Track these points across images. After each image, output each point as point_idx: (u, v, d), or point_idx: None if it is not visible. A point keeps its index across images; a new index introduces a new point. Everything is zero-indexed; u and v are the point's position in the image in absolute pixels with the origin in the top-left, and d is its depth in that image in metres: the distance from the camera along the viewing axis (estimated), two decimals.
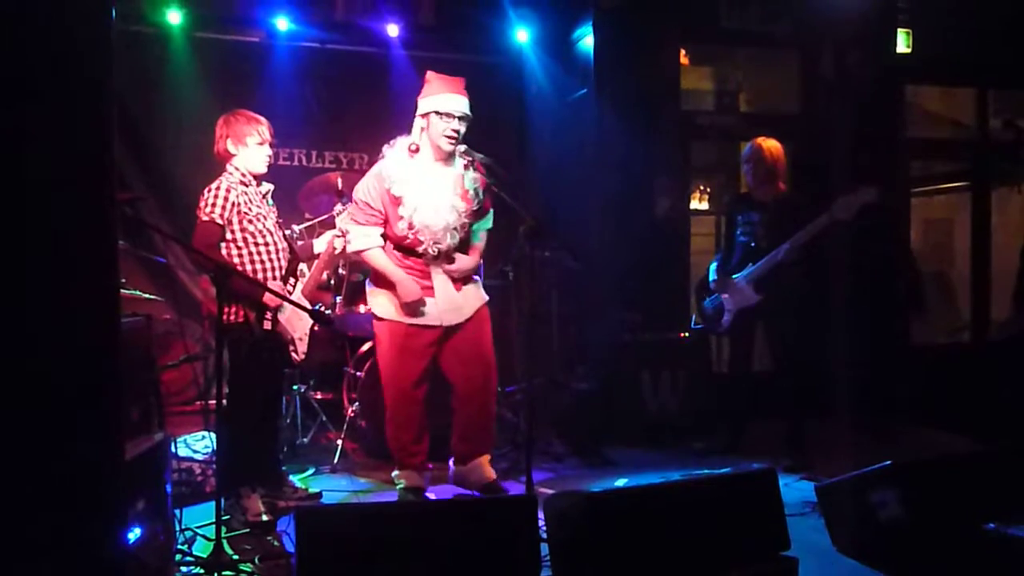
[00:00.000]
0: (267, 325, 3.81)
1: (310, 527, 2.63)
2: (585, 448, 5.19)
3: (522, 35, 6.89)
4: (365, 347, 5.17)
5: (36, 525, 1.78)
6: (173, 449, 4.20)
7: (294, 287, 3.98)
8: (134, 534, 2.77)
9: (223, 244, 3.80)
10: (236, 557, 3.33)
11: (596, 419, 5.36)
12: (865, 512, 3.22)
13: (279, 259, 3.91)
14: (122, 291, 4.71)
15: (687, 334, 5.82)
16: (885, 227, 6.28)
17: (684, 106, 6.58)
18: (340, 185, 5.32)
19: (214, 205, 3.75)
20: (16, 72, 1.79)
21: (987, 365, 6.16)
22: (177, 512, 3.34)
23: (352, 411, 5.04)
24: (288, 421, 5.16)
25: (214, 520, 3.21)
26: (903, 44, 6.69)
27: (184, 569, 3.25)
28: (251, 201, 3.87)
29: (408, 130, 4.16)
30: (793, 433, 4.92)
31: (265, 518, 3.75)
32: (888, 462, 3.17)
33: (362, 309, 5.01)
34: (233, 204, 3.78)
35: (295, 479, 4.39)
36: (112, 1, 1.92)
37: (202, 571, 3.22)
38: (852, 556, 3.32)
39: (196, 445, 4.38)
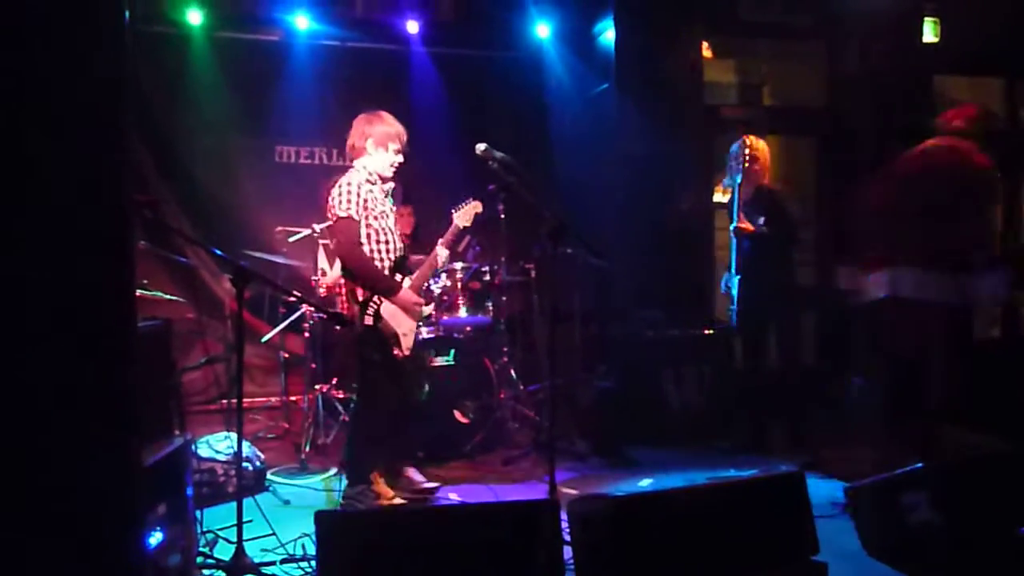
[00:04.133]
0: (368, 321, 3.89)
1: (330, 531, 2.61)
2: (608, 447, 5.15)
3: (543, 30, 6.84)
4: None
5: (52, 532, 1.77)
6: (195, 450, 4.21)
7: (401, 282, 4.04)
8: (155, 538, 2.76)
9: None
10: (257, 560, 3.32)
11: (619, 417, 5.31)
12: (895, 515, 3.15)
13: (392, 255, 4.02)
14: (143, 292, 4.73)
15: (710, 330, 5.76)
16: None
17: (707, 100, 6.51)
18: None
19: (349, 201, 3.87)
20: (29, 74, 1.77)
21: (1018, 360, 6.03)
22: (199, 514, 3.33)
23: None
24: (310, 420, 5.15)
25: (236, 522, 3.20)
26: (930, 34, 6.56)
27: (206, 572, 3.24)
28: (376, 199, 3.98)
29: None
30: (802, 434, 4.88)
31: (398, 500, 3.93)
32: (919, 464, 3.10)
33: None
34: (364, 200, 3.91)
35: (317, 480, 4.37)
36: (126, 2, 1.89)
37: (224, 574, 3.20)
38: (882, 560, 3.25)
39: (218, 446, 4.36)
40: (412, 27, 6.60)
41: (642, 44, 6.17)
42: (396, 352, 4.00)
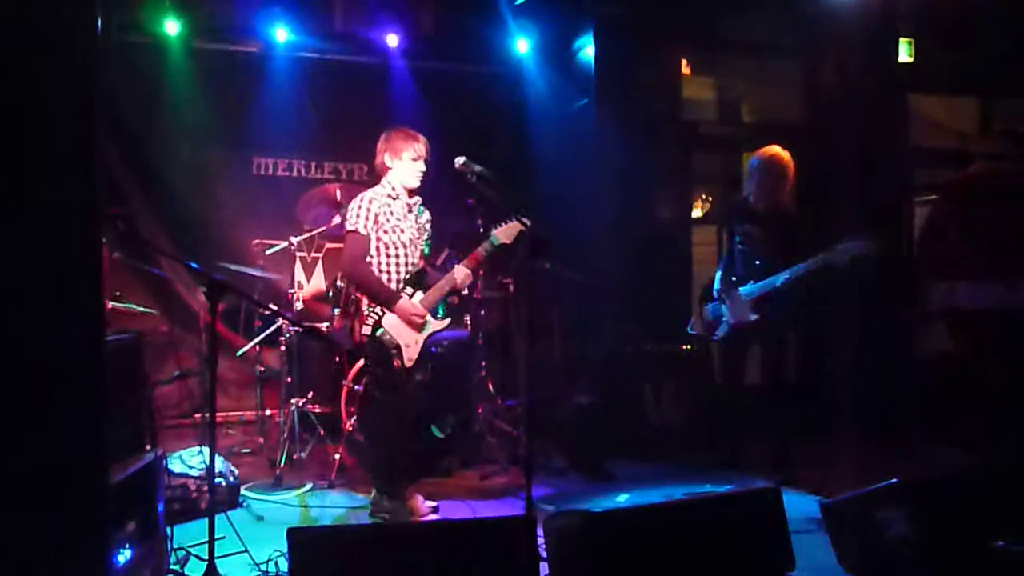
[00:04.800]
0: (366, 331, 4.00)
1: (302, 548, 2.57)
2: (586, 462, 5.13)
3: (522, 45, 6.86)
4: (362, 361, 5.11)
5: (12, 553, 1.72)
6: (167, 465, 4.14)
7: (411, 296, 4.10)
8: (124, 556, 2.71)
9: None
10: None
11: (597, 433, 5.30)
12: (872, 530, 3.16)
13: (405, 270, 4.11)
14: (116, 304, 4.68)
15: (689, 346, 5.76)
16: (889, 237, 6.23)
17: (685, 116, 6.54)
18: (339, 197, 5.26)
19: (357, 216, 4.03)
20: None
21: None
22: (169, 531, 3.27)
23: (351, 425, 4.98)
24: (285, 435, 5.09)
25: (207, 539, 3.15)
26: (905, 53, 6.66)
27: None
28: (392, 213, 4.10)
29: None
30: (780, 452, 4.86)
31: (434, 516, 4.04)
32: (895, 479, 3.10)
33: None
34: (374, 215, 4.03)
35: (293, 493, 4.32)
36: (97, 13, 1.86)
37: None
38: (858, 575, 3.25)
39: (191, 461, 4.30)
40: (392, 40, 6.59)
41: (621, 60, 6.20)
42: (396, 363, 4.03)
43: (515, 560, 2.73)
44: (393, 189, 4.14)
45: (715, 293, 5.04)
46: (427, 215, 4.29)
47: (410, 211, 4.18)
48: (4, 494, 1.76)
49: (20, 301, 1.70)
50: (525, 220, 3.95)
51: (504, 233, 4.10)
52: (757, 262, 4.83)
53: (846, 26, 6.15)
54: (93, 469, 1.76)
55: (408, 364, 4.07)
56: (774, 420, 4.88)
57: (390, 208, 4.10)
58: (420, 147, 4.12)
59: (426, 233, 4.29)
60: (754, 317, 4.77)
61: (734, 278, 4.93)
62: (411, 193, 4.18)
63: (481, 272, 5.46)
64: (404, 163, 4.11)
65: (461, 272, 4.15)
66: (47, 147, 1.78)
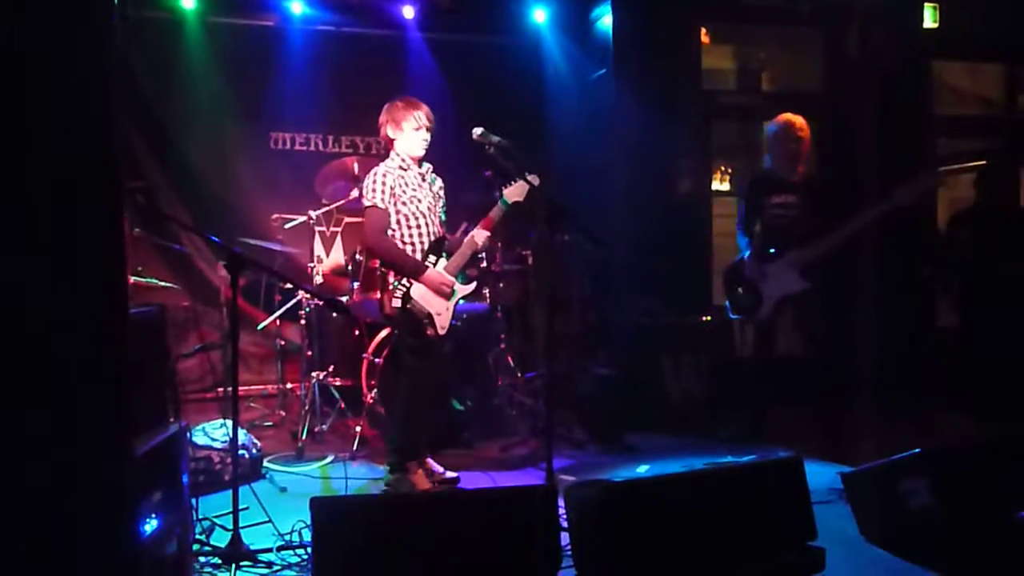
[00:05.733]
0: (396, 303, 3.98)
1: (325, 518, 2.60)
2: (606, 434, 5.14)
3: (540, 15, 6.80)
4: (383, 334, 5.13)
5: (40, 522, 1.74)
6: (191, 437, 4.19)
7: (435, 264, 4.10)
8: (150, 526, 2.74)
9: None
10: (254, 548, 3.30)
11: (618, 405, 5.29)
12: (894, 501, 3.15)
13: (427, 239, 4.11)
14: (137, 279, 4.71)
15: (709, 318, 5.73)
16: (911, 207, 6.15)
17: (705, 85, 6.47)
18: (356, 170, 5.25)
19: (374, 191, 4.01)
20: (14, 57, 1.73)
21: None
22: (195, 502, 3.31)
23: (371, 397, 5.01)
24: (306, 408, 5.14)
25: (231, 510, 3.19)
26: (930, 19, 6.53)
27: (202, 559, 3.22)
28: (407, 184, 4.08)
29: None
30: (824, 418, 4.84)
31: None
32: (918, 450, 3.09)
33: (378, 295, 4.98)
34: (390, 188, 4.02)
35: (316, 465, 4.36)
36: None
37: (220, 561, 3.19)
38: (880, 545, 3.24)
39: (214, 433, 4.35)
40: (408, 12, 6.55)
41: (640, 29, 6.13)
42: (430, 332, 4.05)
43: (535, 529, 2.74)
44: (404, 160, 4.12)
45: (747, 272, 4.98)
46: (440, 182, 4.28)
47: (423, 180, 4.17)
48: (29, 466, 1.78)
49: (39, 275, 1.71)
50: (532, 179, 3.98)
51: (513, 193, 4.10)
52: (795, 230, 4.78)
53: None
54: (118, 441, 1.78)
55: (441, 332, 4.09)
56: (813, 388, 4.85)
57: (404, 180, 4.08)
58: (421, 116, 4.08)
59: (441, 200, 4.29)
60: (805, 284, 4.72)
61: (771, 250, 4.87)
62: (419, 161, 4.16)
63: (499, 244, 5.45)
64: (406, 134, 4.08)
65: (481, 235, 4.16)
66: (63, 117, 1.77)
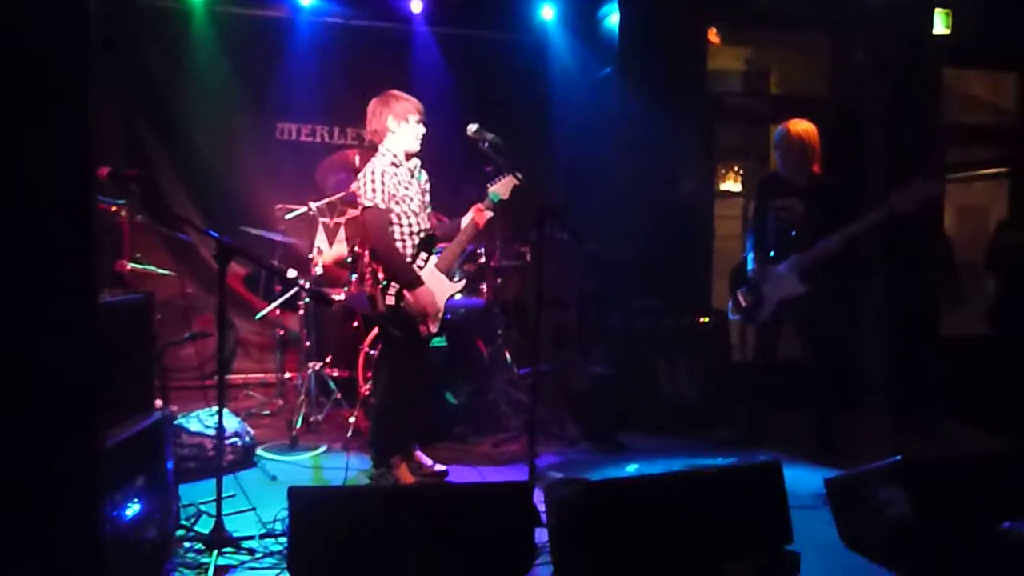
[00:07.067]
0: (390, 300, 3.96)
1: (302, 507, 2.62)
2: (600, 433, 5.14)
3: (547, 12, 6.80)
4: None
5: (6, 515, 1.76)
6: (184, 424, 4.23)
7: (426, 261, 4.10)
8: (132, 510, 2.78)
9: None
10: (237, 535, 3.34)
11: (612, 404, 5.30)
12: (873, 508, 3.14)
13: (417, 237, 4.09)
14: (135, 266, 4.76)
15: (706, 319, 5.73)
16: (919, 215, 6.12)
17: (711, 87, 6.44)
18: (358, 163, 5.28)
19: (374, 191, 3.94)
20: None
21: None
22: (180, 488, 3.35)
23: (367, 389, 5.03)
24: (302, 397, 5.17)
25: (216, 496, 3.23)
26: (941, 25, 6.47)
27: (187, 545, 3.26)
28: (400, 183, 4.03)
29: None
30: (823, 424, 4.82)
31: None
32: (898, 457, 3.08)
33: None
34: (390, 189, 3.98)
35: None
36: None
37: (203, 547, 3.23)
38: (860, 552, 3.24)
39: (208, 421, 4.38)
40: (416, 6, 6.56)
41: (646, 29, 6.10)
42: (422, 328, 4.05)
43: (510, 525, 2.77)
44: (395, 157, 4.05)
45: (749, 274, 4.98)
46: (425, 175, 4.24)
47: (412, 176, 4.13)
48: None
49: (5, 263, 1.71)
50: (518, 175, 3.97)
51: (499, 188, 4.10)
52: (793, 233, 4.77)
53: None
54: (85, 425, 1.80)
55: (434, 330, 4.10)
56: (812, 393, 4.84)
57: (397, 178, 4.03)
58: (421, 108, 4.07)
59: (427, 195, 4.25)
60: (804, 288, 4.71)
61: (772, 253, 4.87)
62: (410, 156, 4.11)
63: (498, 240, 5.46)
64: (410, 125, 4.03)
65: (468, 223, 4.14)
66: (34, 104, 1.78)
